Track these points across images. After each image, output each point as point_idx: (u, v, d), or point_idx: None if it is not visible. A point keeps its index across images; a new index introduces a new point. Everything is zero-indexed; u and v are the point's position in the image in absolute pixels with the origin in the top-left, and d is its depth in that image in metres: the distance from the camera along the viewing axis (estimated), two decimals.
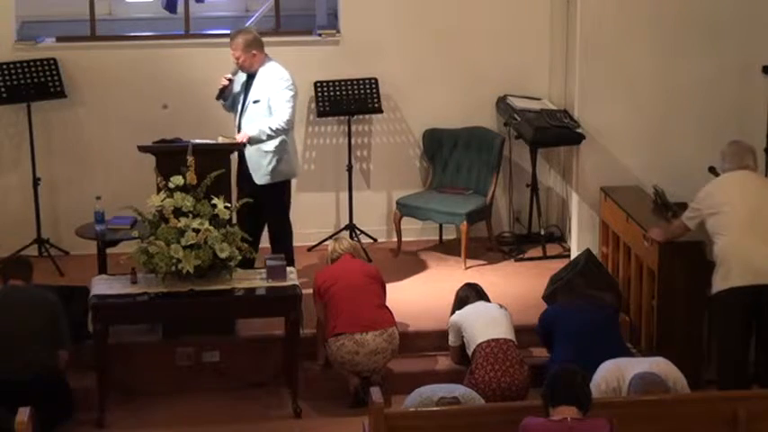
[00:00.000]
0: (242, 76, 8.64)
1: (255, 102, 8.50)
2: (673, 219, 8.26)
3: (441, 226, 9.90)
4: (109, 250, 8.37)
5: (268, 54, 8.59)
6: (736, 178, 7.48)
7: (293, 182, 8.88)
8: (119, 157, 9.39)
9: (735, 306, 7.33)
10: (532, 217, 9.81)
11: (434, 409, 6.44)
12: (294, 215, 9.81)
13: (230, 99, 8.70)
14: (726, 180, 7.54)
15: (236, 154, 8.43)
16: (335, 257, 8.07)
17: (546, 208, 9.95)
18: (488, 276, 9.12)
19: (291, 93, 8.48)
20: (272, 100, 8.45)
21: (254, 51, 8.49)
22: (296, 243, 9.64)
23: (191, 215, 7.60)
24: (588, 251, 8.62)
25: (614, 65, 9.15)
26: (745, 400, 6.40)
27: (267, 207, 8.58)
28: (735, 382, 7.27)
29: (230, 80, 8.61)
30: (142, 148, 8.12)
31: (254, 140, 8.37)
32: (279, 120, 8.40)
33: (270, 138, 8.40)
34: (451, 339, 7.92)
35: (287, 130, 8.45)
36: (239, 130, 8.53)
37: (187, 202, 7.60)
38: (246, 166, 8.54)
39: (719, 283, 7.37)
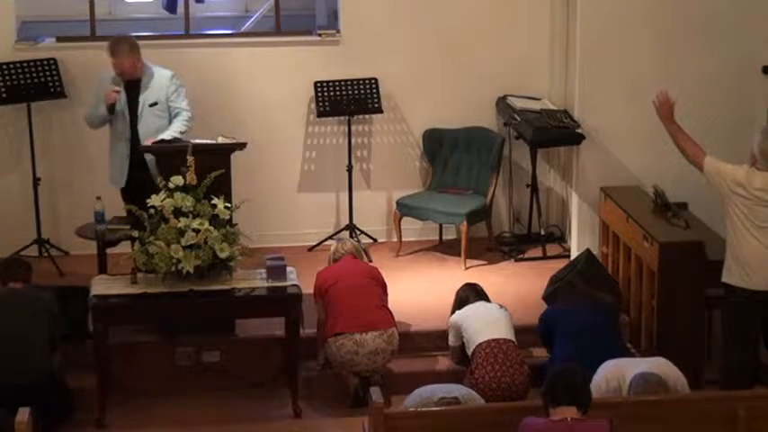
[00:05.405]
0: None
1: (153, 105, 8.42)
2: (673, 219, 8.26)
3: (441, 226, 9.90)
4: (109, 250, 8.38)
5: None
6: None
7: (294, 181, 8.85)
8: None
9: (756, 309, 7.20)
10: (532, 217, 9.80)
11: (434, 409, 6.44)
12: (294, 215, 9.84)
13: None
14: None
15: (129, 165, 8.36)
16: (337, 258, 8.07)
17: (546, 208, 9.95)
18: (488, 276, 9.11)
19: (184, 89, 8.50)
20: (171, 99, 8.42)
21: (139, 56, 8.45)
22: (296, 243, 9.68)
23: (191, 215, 7.59)
24: (588, 251, 8.62)
25: (614, 65, 9.15)
26: (745, 400, 6.40)
27: None
28: (738, 382, 7.25)
29: (118, 91, 8.43)
30: (142, 148, 8.13)
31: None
32: (186, 117, 8.39)
33: (183, 134, 8.34)
34: (451, 339, 7.92)
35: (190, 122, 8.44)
36: (136, 139, 8.35)
37: (187, 202, 7.59)
38: (149, 173, 8.24)
39: (740, 281, 7.13)
